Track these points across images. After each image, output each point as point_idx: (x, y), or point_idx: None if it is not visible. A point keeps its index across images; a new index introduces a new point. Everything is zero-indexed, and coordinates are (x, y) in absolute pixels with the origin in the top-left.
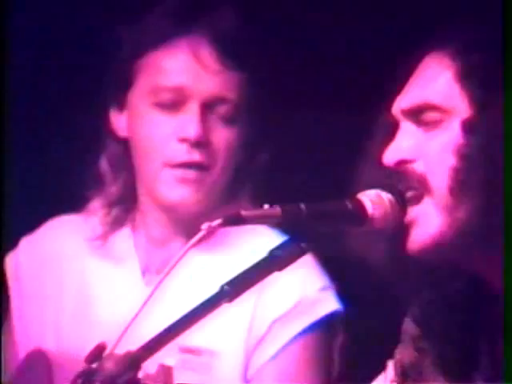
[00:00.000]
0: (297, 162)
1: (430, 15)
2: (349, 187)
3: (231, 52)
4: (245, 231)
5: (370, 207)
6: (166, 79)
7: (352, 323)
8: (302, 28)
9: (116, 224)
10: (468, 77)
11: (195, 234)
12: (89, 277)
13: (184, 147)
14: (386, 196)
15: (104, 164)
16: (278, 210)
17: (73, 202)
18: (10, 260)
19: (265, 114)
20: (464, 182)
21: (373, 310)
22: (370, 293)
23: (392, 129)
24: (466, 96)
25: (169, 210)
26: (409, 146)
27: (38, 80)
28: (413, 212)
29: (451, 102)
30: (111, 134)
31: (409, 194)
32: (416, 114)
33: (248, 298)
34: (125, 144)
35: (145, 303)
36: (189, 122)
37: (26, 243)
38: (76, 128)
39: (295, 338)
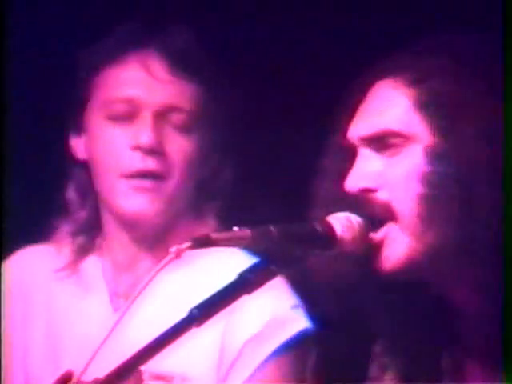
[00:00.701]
0: (261, 175)
1: (384, 39)
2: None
3: (182, 63)
4: (213, 251)
5: (339, 230)
6: (117, 91)
7: (324, 342)
8: (259, 41)
9: (83, 252)
10: (426, 105)
11: (160, 253)
12: (58, 307)
13: (138, 155)
14: (355, 219)
15: (70, 191)
16: (247, 232)
17: (40, 231)
18: None
19: (223, 125)
20: (432, 208)
21: (345, 329)
22: (342, 312)
23: (348, 154)
24: (426, 123)
25: (129, 223)
26: (370, 173)
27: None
28: (380, 234)
29: (412, 129)
30: (74, 159)
31: (374, 218)
32: (375, 142)
33: (217, 320)
34: (88, 168)
35: (112, 330)
36: (142, 130)
37: None
38: (43, 154)
39: (268, 358)
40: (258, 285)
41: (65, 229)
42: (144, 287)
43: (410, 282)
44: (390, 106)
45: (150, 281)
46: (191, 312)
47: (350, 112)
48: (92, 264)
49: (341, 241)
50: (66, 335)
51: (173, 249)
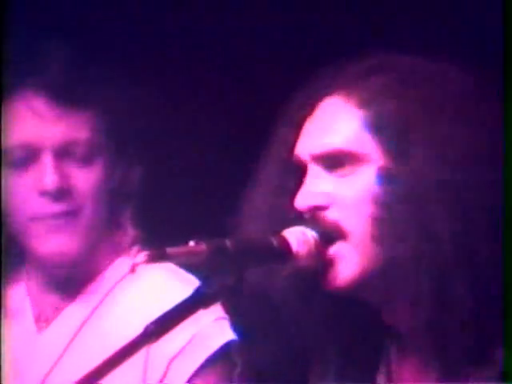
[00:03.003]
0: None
1: (330, 50)
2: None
3: (65, 96)
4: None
5: (295, 244)
6: (12, 138)
7: (250, 352)
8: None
9: (10, 276)
10: (376, 126)
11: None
12: None
13: (46, 199)
14: (311, 233)
15: None
16: (203, 246)
17: None
18: None
19: (122, 148)
20: (383, 229)
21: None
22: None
23: (295, 169)
24: (377, 145)
25: (49, 265)
26: (321, 191)
27: None
28: (331, 251)
29: (363, 150)
30: None
31: (325, 235)
32: (327, 160)
33: None
34: None
35: (69, 343)
36: (44, 173)
37: None
38: None
39: (195, 373)
40: (214, 299)
41: None
42: (101, 301)
43: (351, 299)
44: (341, 125)
45: (107, 295)
46: (147, 327)
47: (296, 126)
48: (18, 287)
49: (296, 255)
50: None
51: (128, 263)
